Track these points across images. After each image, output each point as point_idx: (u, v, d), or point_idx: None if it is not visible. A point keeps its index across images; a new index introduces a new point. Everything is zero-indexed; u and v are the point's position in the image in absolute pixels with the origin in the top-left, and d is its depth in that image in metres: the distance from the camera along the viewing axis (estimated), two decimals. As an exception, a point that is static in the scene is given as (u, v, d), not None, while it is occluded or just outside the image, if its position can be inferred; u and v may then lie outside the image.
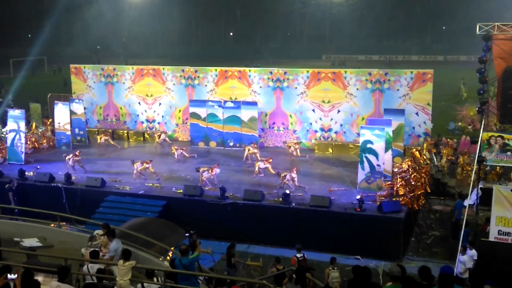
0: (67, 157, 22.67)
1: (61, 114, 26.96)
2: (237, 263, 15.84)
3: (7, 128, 24.87)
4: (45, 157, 25.44)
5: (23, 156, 24.30)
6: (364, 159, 19.84)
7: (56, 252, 12.69)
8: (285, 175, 19.80)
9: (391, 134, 20.61)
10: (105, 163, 24.22)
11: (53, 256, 12.02)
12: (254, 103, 26.22)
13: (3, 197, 20.20)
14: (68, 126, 26.92)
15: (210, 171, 20.57)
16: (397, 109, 23.52)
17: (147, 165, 21.52)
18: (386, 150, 20.20)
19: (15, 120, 24.33)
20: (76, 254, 12.46)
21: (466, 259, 15.01)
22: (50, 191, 21.05)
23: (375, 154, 19.74)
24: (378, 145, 19.73)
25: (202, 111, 26.79)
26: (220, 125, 26.60)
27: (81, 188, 20.81)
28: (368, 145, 19.80)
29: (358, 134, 23.77)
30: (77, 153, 22.91)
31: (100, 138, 26.94)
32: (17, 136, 24.26)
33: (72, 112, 27.27)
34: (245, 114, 26.00)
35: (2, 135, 26.82)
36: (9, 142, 24.43)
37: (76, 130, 27.45)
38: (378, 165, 19.72)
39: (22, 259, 12.09)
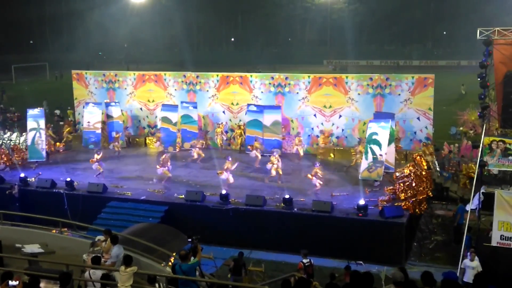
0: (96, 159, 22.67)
1: (92, 114, 27.86)
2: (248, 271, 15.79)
3: (28, 127, 25.39)
4: (46, 162, 25.33)
5: (44, 153, 25.02)
6: (369, 150, 20.91)
7: (57, 258, 12.65)
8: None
9: (394, 127, 21.73)
10: (107, 168, 24.17)
11: (54, 262, 11.99)
12: (277, 107, 26.03)
13: (5, 203, 20.16)
14: (98, 125, 27.78)
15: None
16: (386, 112, 23.78)
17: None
18: (389, 143, 21.31)
19: (35, 118, 25.17)
20: (77, 260, 12.43)
21: (477, 264, 14.51)
22: (52, 197, 21.05)
23: (379, 145, 20.89)
24: (383, 135, 20.95)
25: (174, 116, 27.03)
26: (195, 126, 26.85)
27: (83, 194, 20.82)
28: (374, 137, 21.02)
29: (359, 139, 23.90)
30: (98, 154, 22.91)
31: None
32: (37, 134, 25.07)
33: (108, 116, 28.04)
34: (268, 118, 25.77)
35: (4, 141, 26.82)
36: (29, 141, 25.14)
37: (113, 134, 27.18)
38: (381, 155, 20.73)
39: (24, 266, 12.07)
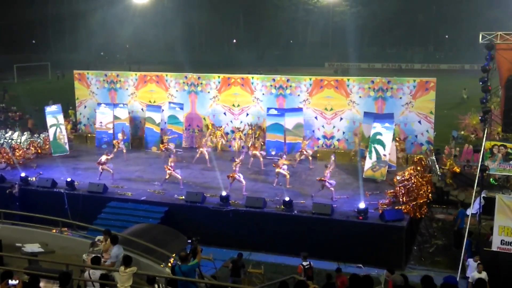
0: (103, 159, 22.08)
1: (104, 114, 28.28)
2: (247, 273, 15.77)
3: (48, 123, 26.48)
4: (47, 162, 25.46)
5: (67, 146, 26.37)
6: (373, 149, 21.45)
7: (57, 258, 12.67)
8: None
9: (394, 127, 22.56)
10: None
11: (54, 262, 12.00)
12: (299, 109, 25.77)
13: (5, 202, 20.16)
14: (110, 125, 28.17)
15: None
16: (379, 113, 23.96)
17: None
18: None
19: (53, 115, 26.50)
20: (77, 260, 12.45)
21: (485, 276, 13.96)
22: (52, 197, 21.04)
23: (383, 145, 21.44)
24: (387, 136, 21.60)
25: (157, 116, 27.45)
26: (181, 128, 26.95)
27: (83, 193, 20.82)
28: (378, 137, 21.54)
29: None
30: (108, 155, 22.28)
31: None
32: (58, 129, 26.43)
33: (115, 117, 28.24)
34: (290, 121, 25.46)
35: (5, 140, 26.85)
36: (51, 136, 26.41)
37: (119, 135, 26.96)
38: (384, 155, 21.30)
39: (24, 265, 12.08)
